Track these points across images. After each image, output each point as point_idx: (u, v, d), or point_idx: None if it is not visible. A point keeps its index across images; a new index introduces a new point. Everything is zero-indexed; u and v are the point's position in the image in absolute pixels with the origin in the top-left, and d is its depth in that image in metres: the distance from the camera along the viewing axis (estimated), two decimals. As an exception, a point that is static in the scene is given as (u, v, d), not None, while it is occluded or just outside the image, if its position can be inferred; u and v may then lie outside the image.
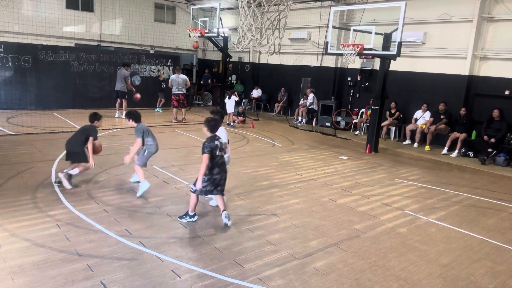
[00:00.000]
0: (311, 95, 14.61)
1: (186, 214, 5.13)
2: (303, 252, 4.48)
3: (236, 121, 13.75)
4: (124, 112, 12.85)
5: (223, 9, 17.61)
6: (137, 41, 17.37)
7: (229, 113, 13.44)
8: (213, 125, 4.97)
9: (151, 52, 17.81)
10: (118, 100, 13.12)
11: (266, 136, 11.57)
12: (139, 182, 6.00)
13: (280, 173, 7.77)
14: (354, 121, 13.90)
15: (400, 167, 8.95)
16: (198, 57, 20.96)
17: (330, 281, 3.90)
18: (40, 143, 8.81)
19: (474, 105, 11.24)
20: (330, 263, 4.26)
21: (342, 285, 3.84)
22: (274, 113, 16.59)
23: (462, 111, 10.92)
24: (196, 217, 5.14)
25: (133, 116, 5.95)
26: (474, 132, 10.79)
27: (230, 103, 13.40)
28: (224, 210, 5.08)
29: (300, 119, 14.94)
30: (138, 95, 12.71)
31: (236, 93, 14.20)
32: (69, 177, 6.06)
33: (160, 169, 7.40)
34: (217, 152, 4.89)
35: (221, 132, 5.35)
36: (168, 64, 16.33)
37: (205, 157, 4.77)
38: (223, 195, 5.17)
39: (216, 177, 4.93)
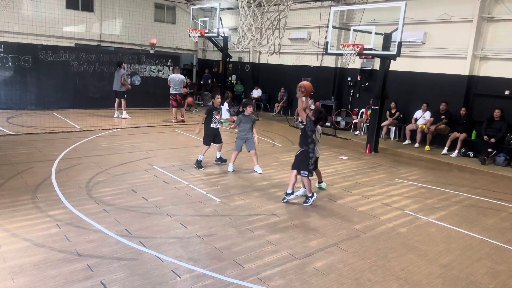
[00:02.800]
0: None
1: (308, 198, 6.00)
2: (303, 252, 4.48)
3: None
4: (124, 112, 12.92)
5: (223, 9, 17.61)
6: (137, 41, 17.36)
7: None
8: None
9: (151, 52, 17.80)
10: (117, 100, 13.09)
11: (266, 136, 11.57)
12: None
13: (280, 173, 7.78)
14: (354, 121, 13.90)
15: (400, 167, 8.95)
16: (198, 57, 20.95)
17: (330, 281, 3.90)
18: (40, 143, 8.81)
19: (474, 105, 11.24)
20: (330, 263, 4.26)
21: (342, 285, 3.84)
22: (274, 113, 16.59)
23: (462, 111, 10.92)
24: (316, 195, 6.13)
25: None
26: (474, 132, 10.79)
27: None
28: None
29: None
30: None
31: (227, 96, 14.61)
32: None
33: (160, 169, 7.40)
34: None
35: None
36: (168, 64, 16.32)
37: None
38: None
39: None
